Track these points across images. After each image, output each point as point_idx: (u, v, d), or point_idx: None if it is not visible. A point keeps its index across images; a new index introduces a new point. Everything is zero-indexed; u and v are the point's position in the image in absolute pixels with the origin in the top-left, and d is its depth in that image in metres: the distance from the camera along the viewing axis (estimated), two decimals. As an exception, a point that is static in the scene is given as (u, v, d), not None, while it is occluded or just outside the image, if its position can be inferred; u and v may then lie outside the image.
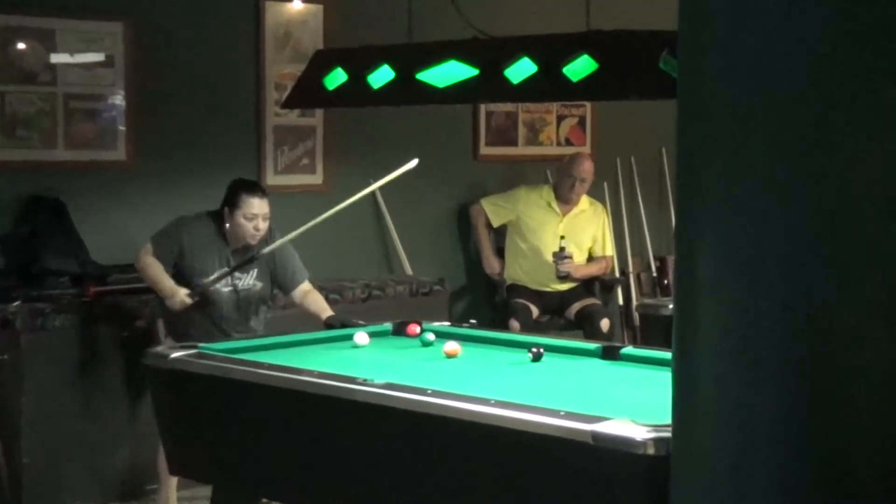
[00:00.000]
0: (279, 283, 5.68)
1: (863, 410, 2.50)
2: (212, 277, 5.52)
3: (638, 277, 8.53)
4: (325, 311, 5.53)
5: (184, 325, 5.53)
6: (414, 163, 5.49)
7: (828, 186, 2.46)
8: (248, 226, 5.49)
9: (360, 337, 5.09)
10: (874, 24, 2.44)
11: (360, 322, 5.38)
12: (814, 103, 2.46)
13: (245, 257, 5.53)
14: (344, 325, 5.35)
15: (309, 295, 5.65)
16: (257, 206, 5.49)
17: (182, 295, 5.47)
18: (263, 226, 5.52)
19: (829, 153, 2.46)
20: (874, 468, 2.52)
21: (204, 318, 5.56)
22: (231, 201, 5.51)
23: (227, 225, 5.54)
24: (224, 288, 5.55)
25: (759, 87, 2.49)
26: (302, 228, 5.50)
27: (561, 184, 7.52)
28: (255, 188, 5.55)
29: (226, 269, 5.54)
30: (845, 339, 2.48)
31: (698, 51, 2.60)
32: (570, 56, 4.49)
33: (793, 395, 2.49)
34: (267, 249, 5.53)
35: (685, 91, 2.65)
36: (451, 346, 4.87)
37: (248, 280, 5.61)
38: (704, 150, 2.59)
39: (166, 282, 5.52)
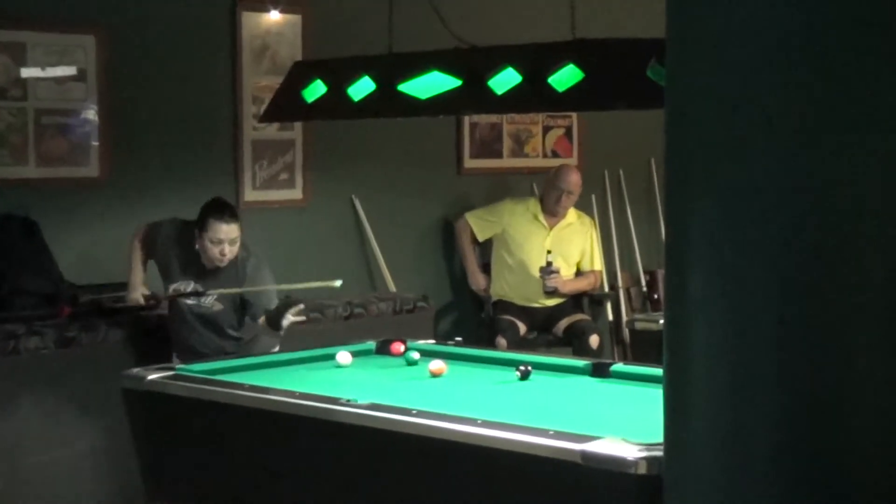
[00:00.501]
0: (248, 310, 5.66)
1: (861, 426, 2.48)
2: (170, 290, 5.62)
3: (627, 292, 8.52)
4: None
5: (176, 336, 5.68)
6: (338, 283, 5.49)
7: (821, 197, 2.45)
8: (214, 250, 5.50)
9: (343, 356, 5.09)
10: (864, 30, 2.43)
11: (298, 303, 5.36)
12: (806, 113, 2.44)
13: (205, 287, 5.59)
14: (285, 308, 5.33)
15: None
16: (223, 232, 5.47)
17: (137, 294, 5.71)
18: (231, 250, 5.52)
19: (821, 163, 2.45)
20: (873, 485, 2.49)
21: (178, 332, 5.66)
22: (199, 224, 5.53)
23: (198, 246, 5.53)
24: (187, 301, 5.61)
25: (749, 96, 2.48)
26: (245, 289, 5.56)
27: (547, 196, 7.47)
28: (223, 212, 5.50)
29: (180, 290, 5.62)
30: (841, 352, 2.47)
31: (687, 58, 2.60)
32: (556, 65, 4.49)
33: (788, 412, 2.47)
34: (219, 291, 5.56)
35: (673, 100, 2.64)
36: (437, 364, 4.87)
37: (208, 300, 5.62)
38: (694, 161, 2.58)
39: (132, 275, 5.76)
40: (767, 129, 2.47)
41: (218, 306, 5.61)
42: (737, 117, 2.49)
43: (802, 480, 2.47)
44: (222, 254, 5.48)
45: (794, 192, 2.45)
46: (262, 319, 5.49)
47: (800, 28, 2.44)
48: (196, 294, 5.57)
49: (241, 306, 5.63)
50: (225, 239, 5.46)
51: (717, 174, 2.52)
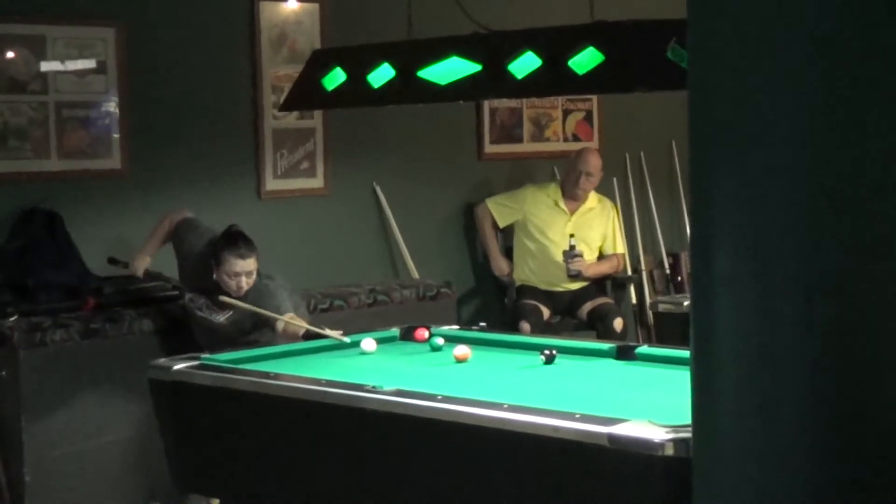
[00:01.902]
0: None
1: (891, 406, 2.46)
2: (186, 298, 5.71)
3: (651, 275, 8.49)
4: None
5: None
6: (346, 339, 5.23)
7: (846, 175, 2.43)
8: (231, 283, 5.52)
9: (368, 343, 5.09)
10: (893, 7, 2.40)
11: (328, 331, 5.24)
12: (830, 90, 2.42)
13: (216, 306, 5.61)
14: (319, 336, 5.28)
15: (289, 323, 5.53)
16: (240, 266, 5.49)
17: (141, 264, 5.93)
18: (248, 281, 5.53)
19: (846, 140, 2.42)
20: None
21: (195, 333, 5.71)
22: (216, 256, 5.52)
23: (215, 276, 5.53)
24: (198, 312, 5.65)
25: (772, 75, 2.46)
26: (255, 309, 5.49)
27: (567, 179, 7.47)
28: (238, 247, 5.50)
29: (191, 301, 5.69)
30: (869, 331, 2.44)
31: (708, 39, 2.57)
32: (576, 48, 4.44)
33: (817, 392, 2.46)
34: (223, 319, 5.60)
35: (695, 81, 2.62)
36: (461, 350, 4.86)
37: (220, 317, 5.65)
38: (717, 142, 2.56)
39: (146, 243, 5.95)
40: (792, 107, 2.44)
41: (226, 324, 5.62)
42: (760, 96, 2.46)
43: (833, 459, 2.45)
44: (239, 287, 5.49)
45: (820, 170, 2.42)
46: (280, 327, 5.47)
47: (827, 3, 2.41)
48: (193, 301, 5.63)
49: (255, 322, 5.59)
50: (241, 272, 5.47)
51: (741, 154, 2.50)
